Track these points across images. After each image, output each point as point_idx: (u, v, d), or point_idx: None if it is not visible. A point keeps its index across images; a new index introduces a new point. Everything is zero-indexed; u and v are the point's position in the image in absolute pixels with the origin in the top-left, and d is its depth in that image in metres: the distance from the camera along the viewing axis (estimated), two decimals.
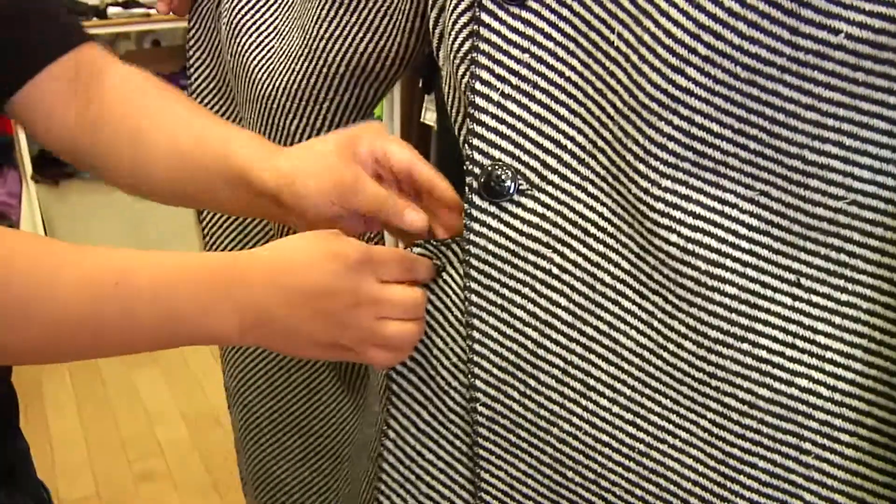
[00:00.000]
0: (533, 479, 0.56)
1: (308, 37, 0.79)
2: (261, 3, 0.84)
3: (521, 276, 0.53)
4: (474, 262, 0.54)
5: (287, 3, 0.83)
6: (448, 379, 0.58)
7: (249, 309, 0.52)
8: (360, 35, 0.77)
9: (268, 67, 0.82)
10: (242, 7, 0.84)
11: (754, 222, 0.47)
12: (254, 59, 0.84)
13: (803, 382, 0.48)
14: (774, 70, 0.43)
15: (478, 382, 0.55)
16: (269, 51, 0.83)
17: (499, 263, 0.53)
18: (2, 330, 0.49)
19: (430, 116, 1.75)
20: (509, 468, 0.56)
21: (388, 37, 0.77)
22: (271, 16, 0.84)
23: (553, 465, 0.55)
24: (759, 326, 0.48)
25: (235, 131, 0.65)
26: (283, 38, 0.82)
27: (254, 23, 0.83)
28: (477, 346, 0.55)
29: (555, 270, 0.52)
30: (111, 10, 2.85)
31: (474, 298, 0.54)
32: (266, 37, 0.83)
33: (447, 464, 0.60)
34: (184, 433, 2.26)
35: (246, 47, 0.84)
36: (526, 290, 0.53)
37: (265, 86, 0.82)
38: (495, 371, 0.55)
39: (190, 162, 0.65)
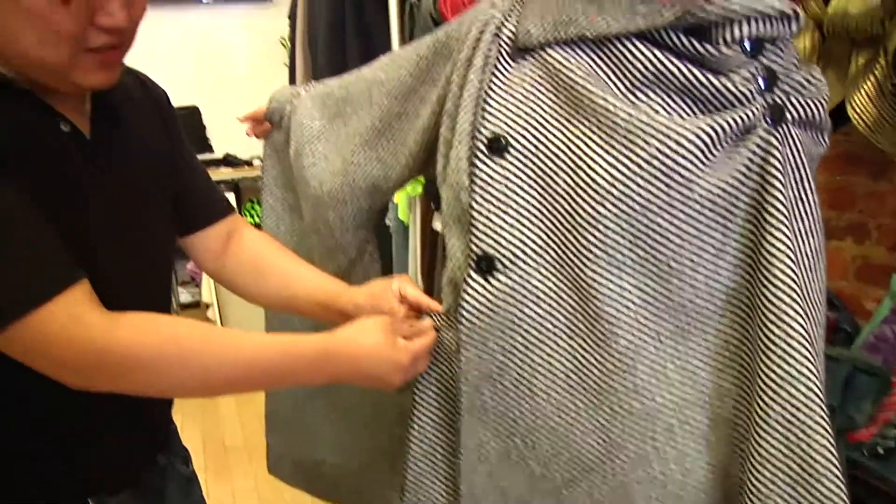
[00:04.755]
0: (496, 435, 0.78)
1: (345, 162, 1.01)
2: (314, 141, 1.05)
3: (493, 323, 0.72)
4: (465, 314, 0.72)
5: (334, 140, 1.04)
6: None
7: (334, 375, 0.80)
8: (374, 164, 0.99)
9: (319, 179, 1.07)
10: (304, 144, 1.06)
11: (636, 300, 0.67)
12: (311, 174, 1.08)
13: (659, 398, 0.68)
14: (655, 208, 0.62)
15: (466, 373, 0.75)
16: (319, 170, 1.07)
17: (479, 315, 0.72)
18: (194, 386, 0.76)
19: (437, 224, 2.13)
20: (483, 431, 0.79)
21: (390, 168, 0.98)
22: (322, 148, 1.05)
23: (512, 428, 0.77)
24: (638, 359, 0.68)
25: (325, 282, 0.97)
26: (328, 162, 1.05)
27: (311, 151, 1.06)
28: (463, 359, 0.75)
29: (516, 321, 0.71)
30: None
31: (463, 337, 0.72)
32: (316, 162, 1.05)
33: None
34: None
35: (306, 167, 1.09)
36: (494, 331, 0.72)
37: (315, 190, 1.07)
38: (474, 371, 0.74)
39: (293, 297, 0.98)
